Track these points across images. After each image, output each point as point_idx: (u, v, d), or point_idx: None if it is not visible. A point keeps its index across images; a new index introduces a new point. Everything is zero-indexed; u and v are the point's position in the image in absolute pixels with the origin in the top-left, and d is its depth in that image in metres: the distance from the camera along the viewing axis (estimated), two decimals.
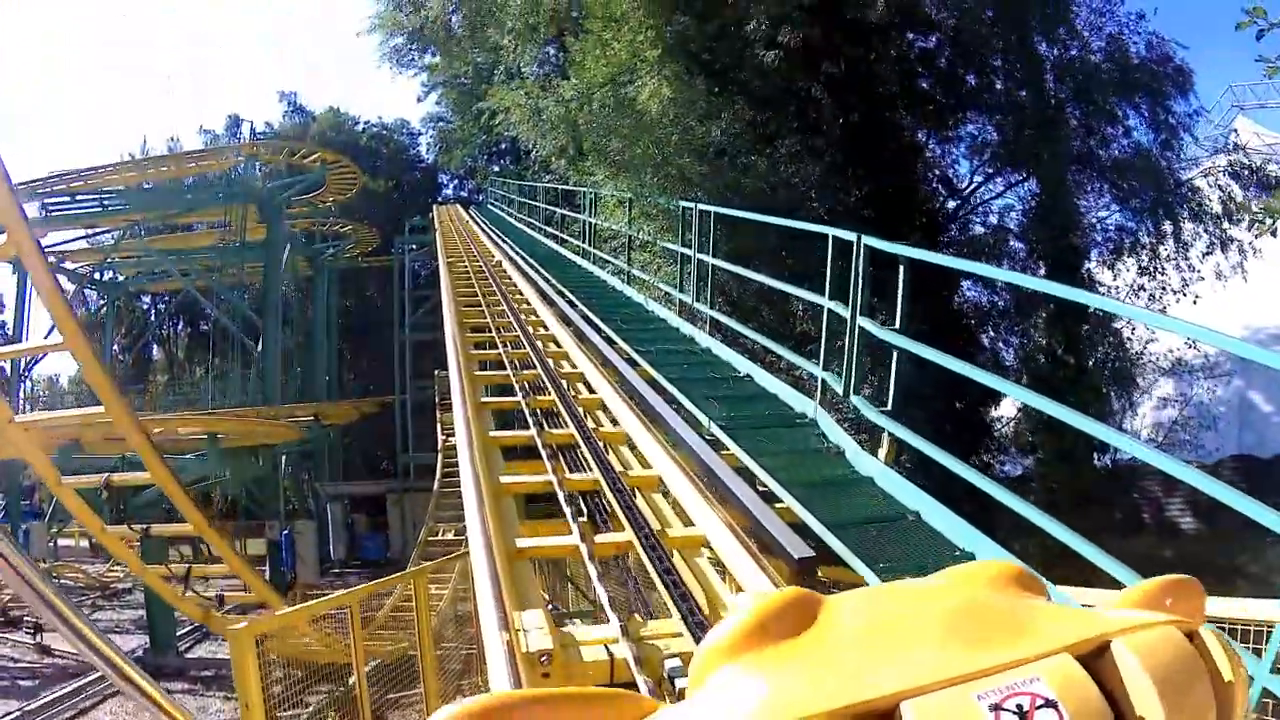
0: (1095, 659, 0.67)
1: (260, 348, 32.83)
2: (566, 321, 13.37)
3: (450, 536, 24.51)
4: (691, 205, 12.94)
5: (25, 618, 23.92)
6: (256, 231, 34.11)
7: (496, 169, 47.19)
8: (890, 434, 8.20)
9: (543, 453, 7.44)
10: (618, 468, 7.30)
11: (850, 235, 8.97)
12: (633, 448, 8.03)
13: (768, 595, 0.76)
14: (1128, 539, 20.92)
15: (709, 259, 12.31)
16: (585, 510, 6.72)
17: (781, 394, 10.04)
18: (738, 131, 15.67)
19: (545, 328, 12.65)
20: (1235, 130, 26.31)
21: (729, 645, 0.73)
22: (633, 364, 11.61)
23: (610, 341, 12.70)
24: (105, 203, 33.35)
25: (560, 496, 6.59)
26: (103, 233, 37.23)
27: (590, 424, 8.47)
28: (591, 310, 14.09)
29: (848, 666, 0.68)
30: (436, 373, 32.52)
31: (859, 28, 16.38)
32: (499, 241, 25.16)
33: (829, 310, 9.46)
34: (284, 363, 41.66)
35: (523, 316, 13.30)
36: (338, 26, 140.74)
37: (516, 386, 9.40)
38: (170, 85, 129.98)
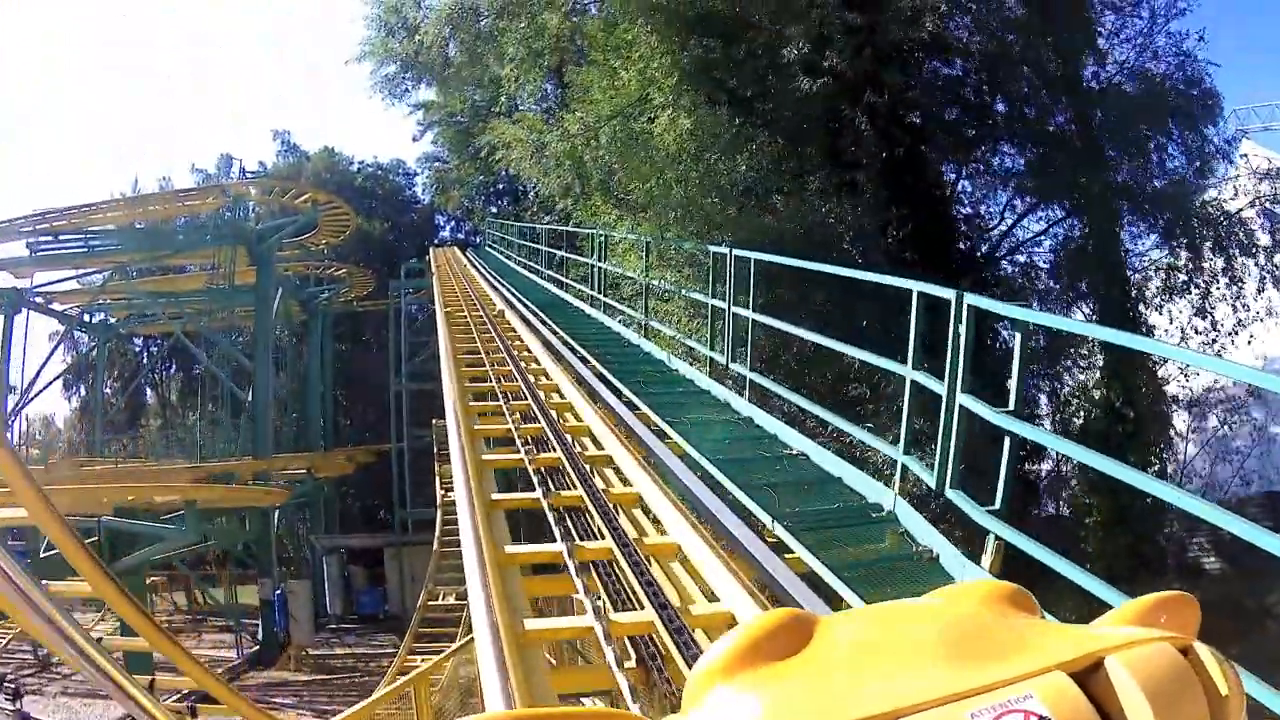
0: (1089, 675, 0.66)
1: (251, 395, 30.97)
2: (582, 383, 11.65)
3: (451, 601, 22.67)
4: (724, 250, 11.23)
5: (6, 680, 22.09)
6: (248, 274, 32.43)
7: (494, 210, 45.55)
8: (997, 538, 6.51)
9: (576, 582, 5.71)
10: (674, 600, 5.56)
11: (944, 292, 7.30)
12: (684, 561, 6.31)
13: (762, 616, 0.76)
14: (1151, 583, 19.30)
15: (748, 314, 10.58)
16: (634, 655, 5.11)
17: (847, 478, 8.35)
18: (766, 167, 13.96)
19: (559, 394, 10.88)
20: (1245, 155, 24.83)
21: (724, 665, 0.72)
22: (662, 436, 9.93)
23: (632, 406, 11.00)
24: (92, 243, 31.63)
25: (609, 656, 4.86)
26: (92, 273, 35.47)
27: (628, 527, 6.75)
28: (608, 369, 12.37)
29: (842, 685, 0.68)
30: (434, 421, 30.82)
31: (901, 51, 14.74)
32: (498, 286, 23.42)
33: (912, 382, 7.76)
34: (278, 408, 40.04)
35: (532, 378, 11.55)
36: (337, 28, 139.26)
37: (534, 475, 7.66)
38: (170, 85, 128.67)
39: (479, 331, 15.14)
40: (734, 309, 11.05)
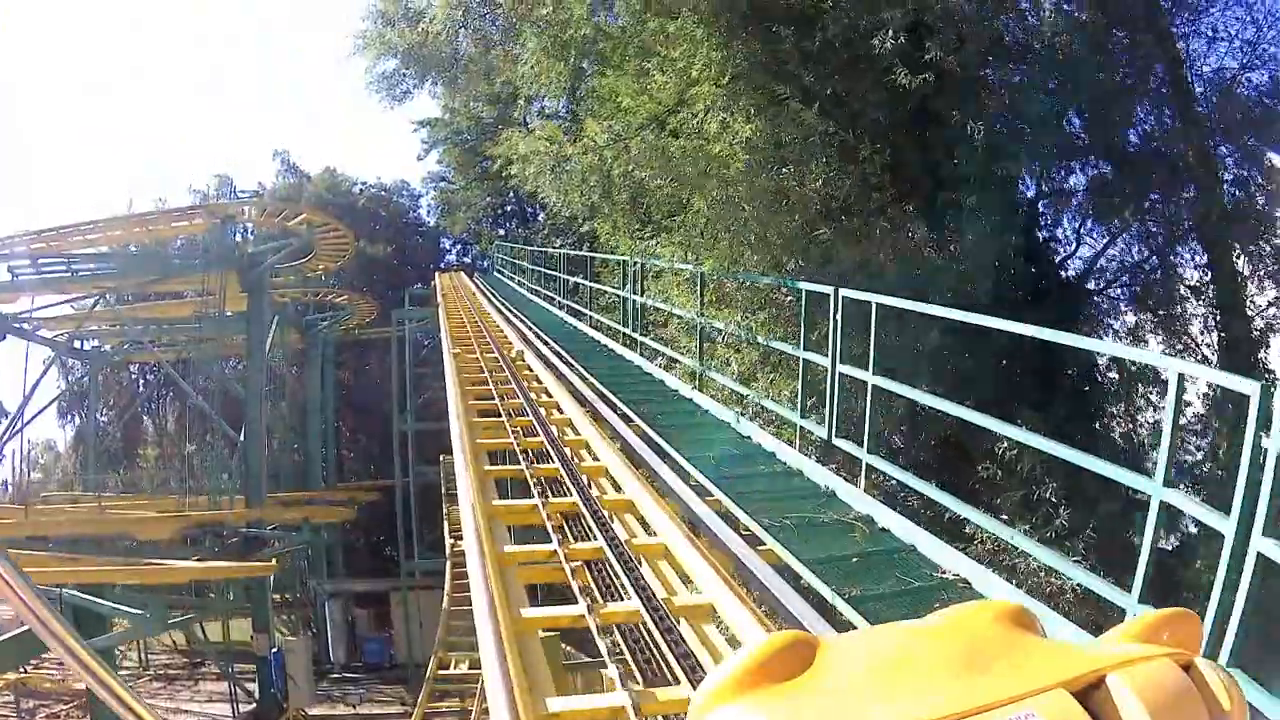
0: (1091, 693, 0.65)
1: (243, 435, 28.01)
2: (637, 462, 8.82)
3: (464, 670, 19.77)
4: (825, 290, 8.35)
5: None
6: (244, 301, 29.50)
7: (502, 232, 42.80)
8: None
9: None
10: None
11: (1239, 383, 4.67)
12: None
13: (766, 638, 0.74)
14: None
15: (870, 378, 7.68)
16: None
17: (1050, 622, 5.53)
18: (855, 183, 11.04)
19: (612, 481, 7.94)
20: None
21: (729, 686, 0.71)
22: (753, 541, 7.14)
23: (702, 492, 8.20)
24: (75, 267, 28.66)
25: None
26: (79, 299, 32.55)
27: None
28: (667, 439, 9.51)
29: (845, 705, 0.66)
30: (442, 457, 28.06)
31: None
32: (513, 319, 20.54)
33: (1161, 503, 5.07)
34: (278, 441, 37.31)
35: (569, 452, 8.65)
36: (340, 41, 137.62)
37: (607, 649, 4.82)
38: (172, 99, 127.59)
39: (496, 381, 12.24)
40: (841, 368, 8.20)
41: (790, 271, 10.91)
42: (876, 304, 7.55)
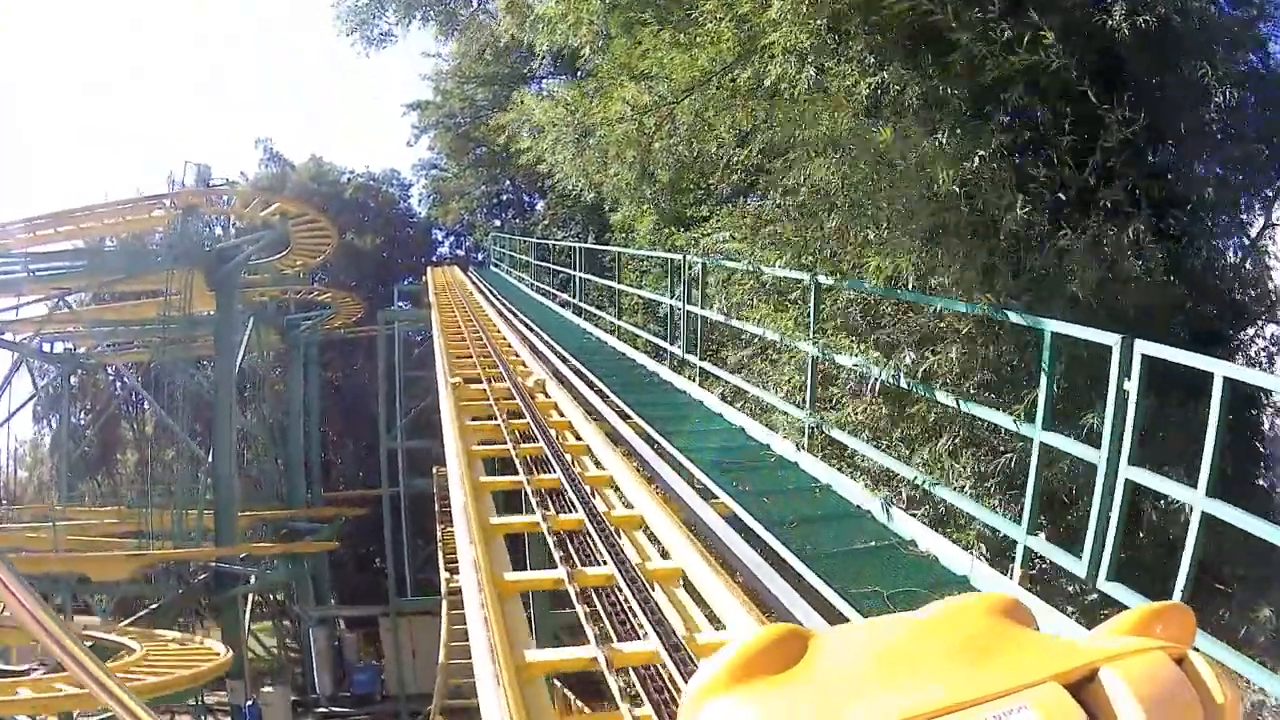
0: (1084, 686, 0.63)
1: (211, 456, 24.47)
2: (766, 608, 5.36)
3: None
4: (1104, 338, 4.84)
5: None
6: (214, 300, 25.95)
7: (498, 223, 39.07)
8: None
9: None
10: None
11: None
12: None
13: (758, 631, 0.73)
14: None
15: (1201, 501, 4.19)
16: None
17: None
18: (1093, 167, 7.42)
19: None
20: None
21: (722, 679, 0.69)
22: None
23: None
24: (31, 266, 25.01)
25: None
26: (40, 300, 28.97)
27: None
28: (795, 549, 6.02)
29: (837, 698, 0.65)
30: (435, 470, 24.57)
31: None
32: (521, 329, 16.78)
33: None
34: (260, 450, 33.99)
35: (653, 587, 5.23)
36: (328, 33, 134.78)
37: None
38: (159, 91, 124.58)
39: (515, 434, 8.71)
40: (1130, 472, 4.69)
41: (971, 289, 7.44)
42: (1226, 378, 4.07)
